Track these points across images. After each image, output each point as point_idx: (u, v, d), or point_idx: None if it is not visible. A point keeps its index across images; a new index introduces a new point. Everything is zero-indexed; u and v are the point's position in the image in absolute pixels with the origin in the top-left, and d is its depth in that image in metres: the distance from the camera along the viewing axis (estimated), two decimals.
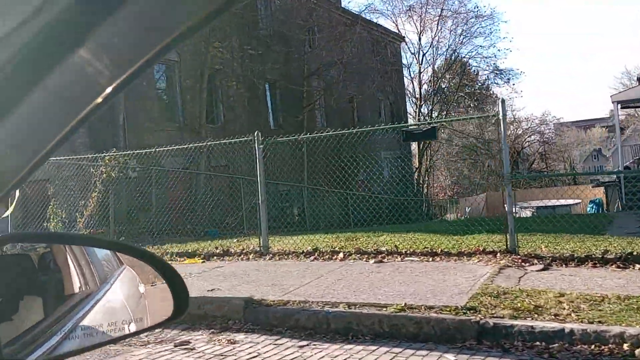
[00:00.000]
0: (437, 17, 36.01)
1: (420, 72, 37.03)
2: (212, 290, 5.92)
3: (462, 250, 6.59)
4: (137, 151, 10.98)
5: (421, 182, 36.32)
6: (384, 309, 4.72)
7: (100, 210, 11.40)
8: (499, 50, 65.16)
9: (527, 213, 36.70)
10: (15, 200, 9.75)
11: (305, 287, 5.70)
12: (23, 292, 1.27)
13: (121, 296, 1.58)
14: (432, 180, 40.65)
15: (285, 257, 7.56)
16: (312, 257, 7.31)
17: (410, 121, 36.75)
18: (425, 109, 37.37)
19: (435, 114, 36.79)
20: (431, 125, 7.11)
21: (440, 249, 6.69)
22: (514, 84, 53.38)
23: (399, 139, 34.25)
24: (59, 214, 11.04)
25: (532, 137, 54.28)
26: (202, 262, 7.94)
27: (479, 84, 40.27)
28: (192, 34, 0.57)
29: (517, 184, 50.74)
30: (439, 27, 36.51)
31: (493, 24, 54.50)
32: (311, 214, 19.71)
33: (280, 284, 5.93)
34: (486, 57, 36.86)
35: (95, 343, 1.37)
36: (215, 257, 8.11)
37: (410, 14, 35.77)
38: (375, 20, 32.34)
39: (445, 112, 37.93)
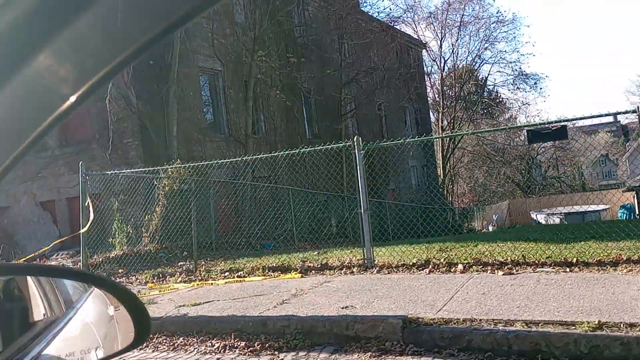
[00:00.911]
0: (458, 23, 35.83)
1: (442, 79, 36.72)
2: (345, 307, 5.50)
3: (601, 260, 6.14)
4: (206, 162, 10.57)
5: (446, 191, 35.87)
6: (572, 327, 4.27)
7: (164, 224, 11.00)
8: (522, 54, 64.76)
9: (555, 220, 36.13)
10: (90, 220, 9.34)
11: (452, 303, 5.27)
12: None
13: (87, 321, 1.52)
14: (457, 188, 40.23)
15: (395, 270, 7.13)
16: (425, 270, 6.88)
17: (433, 129, 36.39)
18: (447, 117, 36.98)
19: (457, 122, 36.45)
20: (561, 124, 6.68)
21: (574, 259, 6.24)
22: (541, 89, 53.06)
23: (424, 147, 34.02)
24: (124, 228, 10.63)
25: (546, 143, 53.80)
26: (301, 276, 7.52)
27: (488, 91, 39.94)
28: (153, 45, 0.56)
29: (532, 191, 50.33)
30: (460, 33, 36.30)
31: (515, 28, 54.18)
32: (351, 225, 19.29)
33: (419, 300, 5.50)
34: (510, 62, 36.49)
35: None
36: (312, 271, 7.69)
37: (430, 21, 35.61)
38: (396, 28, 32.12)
39: (469, 119, 37.59)
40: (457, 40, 36.57)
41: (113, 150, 13.60)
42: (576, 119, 7.47)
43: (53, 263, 11.03)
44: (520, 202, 42.75)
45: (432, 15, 35.42)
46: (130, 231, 10.75)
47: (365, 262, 7.39)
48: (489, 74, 38.06)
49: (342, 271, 7.47)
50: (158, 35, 0.55)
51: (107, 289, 1.32)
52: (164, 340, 5.58)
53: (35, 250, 13.93)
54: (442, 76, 36.89)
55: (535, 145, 51.36)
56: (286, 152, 9.21)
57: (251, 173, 15.86)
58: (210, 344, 5.29)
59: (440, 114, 36.43)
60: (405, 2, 37.73)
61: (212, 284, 7.80)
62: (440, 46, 36.98)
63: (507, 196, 48.72)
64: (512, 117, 47.19)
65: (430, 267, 6.94)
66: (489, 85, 38.83)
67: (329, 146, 8.51)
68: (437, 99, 37.27)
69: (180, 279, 8.42)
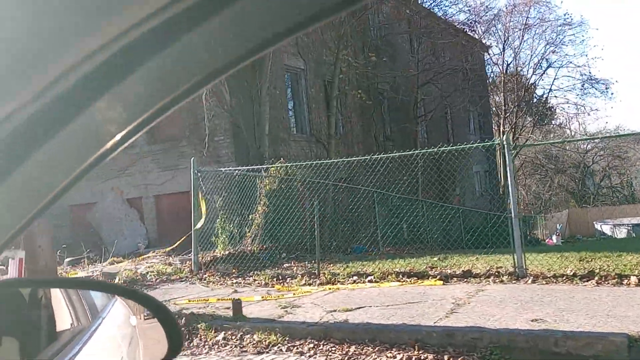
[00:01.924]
0: (523, 26, 34.77)
1: (504, 83, 35.68)
2: (535, 320, 5.00)
3: None
4: (314, 162, 10.23)
5: (506, 198, 34.82)
6: None
7: (266, 224, 10.71)
8: (592, 58, 62.42)
9: (622, 231, 34.44)
10: (204, 217, 9.10)
11: None
12: (13, 330, 1.23)
13: (113, 332, 1.55)
14: (518, 196, 38.98)
15: (553, 280, 6.58)
16: (591, 282, 6.31)
17: (495, 135, 35.44)
18: (509, 122, 35.89)
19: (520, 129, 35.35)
20: None
21: None
22: (612, 94, 51.17)
23: (485, 152, 33.11)
24: (227, 227, 10.38)
25: (603, 151, 51.81)
26: (443, 284, 7.05)
27: (538, 96, 38.51)
28: (203, 86, 0.58)
29: (587, 202, 48.45)
30: (524, 37, 35.23)
31: (582, 31, 52.35)
32: (426, 231, 18.74)
33: (618, 315, 4.94)
34: (578, 66, 35.18)
35: None
36: (454, 279, 7.21)
37: (494, 23, 34.65)
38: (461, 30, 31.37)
39: (533, 125, 36.44)
40: (520, 44, 35.51)
41: (204, 148, 13.43)
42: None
43: (154, 261, 10.88)
44: (580, 212, 41.21)
45: (496, 18, 34.45)
46: (235, 230, 10.49)
47: (517, 270, 6.87)
48: (555, 79, 36.74)
49: (490, 279, 6.97)
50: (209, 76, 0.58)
51: (140, 302, 1.29)
52: (334, 348, 5.20)
53: (122, 247, 13.90)
54: (504, 80, 35.85)
55: (591, 153, 49.59)
56: (416, 152, 8.74)
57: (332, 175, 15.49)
58: (390, 355, 4.88)
59: (502, 119, 35.38)
60: (468, 4, 36.86)
61: (343, 288, 7.42)
62: (503, 49, 35.96)
63: (561, 205, 47.14)
64: (562, 124, 45.64)
65: (596, 278, 6.37)
66: (555, 89, 37.37)
67: (479, 145, 8.02)
68: (499, 103, 36.23)
69: (303, 282, 8.07)
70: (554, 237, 30.59)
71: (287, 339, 5.50)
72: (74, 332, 1.46)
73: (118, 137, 0.59)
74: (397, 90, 21.13)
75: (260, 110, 13.18)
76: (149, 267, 9.61)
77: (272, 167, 10.93)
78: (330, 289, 7.43)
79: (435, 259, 8.98)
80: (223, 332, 5.90)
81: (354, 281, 7.79)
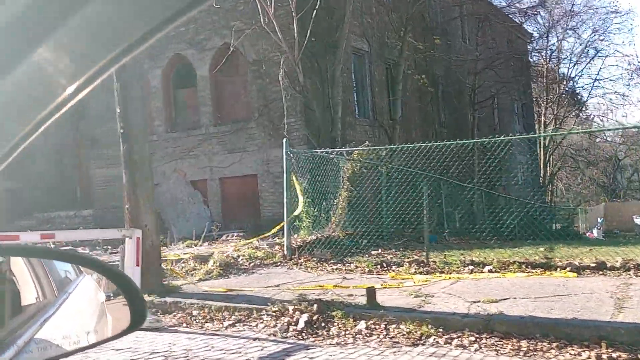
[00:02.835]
0: (568, 13, 33.76)
1: (547, 72, 34.79)
2: None
3: None
4: (405, 145, 9.82)
5: (547, 189, 34.13)
6: None
7: (349, 209, 10.36)
8: None
9: None
10: (300, 202, 8.78)
11: None
12: None
13: (79, 306, 1.56)
14: (557, 188, 38.26)
15: None
16: None
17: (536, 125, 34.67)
18: (551, 112, 35.04)
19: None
20: None
21: None
22: None
23: (527, 142, 32.41)
24: (310, 212, 10.04)
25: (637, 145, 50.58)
26: (576, 276, 6.65)
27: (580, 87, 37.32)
28: (153, 37, 0.58)
29: (618, 196, 47.44)
30: (568, 24, 34.21)
31: (629, 19, 50.77)
32: (484, 220, 18.29)
33: None
34: (626, 55, 34.11)
35: (51, 356, 1.32)
36: (587, 271, 6.80)
37: (537, 10, 33.67)
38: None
39: (576, 116, 35.56)
40: (565, 31, 34.50)
41: (274, 130, 13.08)
42: None
43: (233, 244, 10.60)
44: (617, 206, 40.36)
45: (541, 4, 33.45)
46: (322, 215, 10.15)
47: None
48: (601, 68, 35.70)
49: (630, 273, 6.55)
50: (159, 25, 0.57)
51: (102, 272, 1.30)
52: (500, 342, 4.83)
53: (183, 230, 13.67)
54: (546, 69, 34.95)
55: (624, 145, 48.49)
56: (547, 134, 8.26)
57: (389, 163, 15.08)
58: (574, 352, 4.51)
59: (544, 109, 34.56)
60: None
61: (464, 278, 7.05)
62: (547, 37, 35.01)
63: (591, 199, 46.29)
64: (603, 114, 44.58)
65: None
66: (601, 79, 36.26)
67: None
68: (541, 93, 35.37)
69: (413, 270, 7.71)
70: (595, 231, 29.91)
71: (440, 330, 5.16)
72: (39, 306, 1.45)
73: (70, 89, 0.60)
74: (451, 77, 20.60)
75: (332, 93, 12.78)
76: (236, 250, 9.32)
77: (357, 150, 10.55)
78: (449, 278, 7.06)
79: (542, 249, 8.56)
80: (363, 321, 5.57)
81: (471, 270, 7.42)
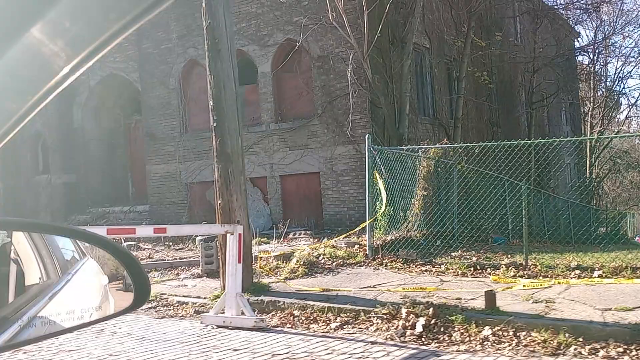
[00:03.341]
0: (617, 12, 32.74)
1: (594, 72, 33.82)
2: None
3: None
4: (490, 143, 9.45)
5: (595, 192, 33.17)
6: None
7: (425, 209, 10.03)
8: None
9: None
10: (384, 200, 8.49)
11: None
12: None
13: (82, 286, 1.61)
14: (603, 190, 37.22)
15: None
16: None
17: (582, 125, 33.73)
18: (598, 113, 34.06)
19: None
20: None
21: None
22: None
23: (574, 144, 31.55)
24: (387, 211, 9.73)
25: None
26: None
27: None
28: (145, 17, 0.59)
29: None
30: (618, 22, 33.16)
31: None
32: (542, 222, 17.78)
33: None
34: None
35: (53, 331, 1.37)
36: None
37: (587, 8, 32.70)
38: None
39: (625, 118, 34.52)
40: (613, 30, 33.47)
41: (338, 127, 12.82)
42: None
43: (304, 242, 10.37)
44: None
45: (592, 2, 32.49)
46: (401, 214, 9.83)
47: None
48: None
49: None
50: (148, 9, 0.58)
51: (107, 249, 1.31)
52: None
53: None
54: (594, 69, 33.98)
55: None
56: None
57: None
58: None
59: (590, 110, 33.61)
60: None
61: (575, 283, 6.67)
62: (595, 36, 34.00)
63: (631, 203, 44.96)
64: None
65: None
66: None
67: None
68: (587, 93, 34.41)
69: (512, 274, 7.35)
70: None
71: (580, 340, 4.81)
72: (43, 286, 1.48)
73: (65, 70, 0.62)
74: (504, 75, 20.08)
75: (400, 89, 12.45)
76: (314, 249, 9.07)
77: (433, 147, 10.22)
78: (559, 282, 6.68)
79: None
80: (487, 327, 5.25)
81: (578, 275, 7.03)
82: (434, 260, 8.42)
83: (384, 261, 8.44)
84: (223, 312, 6.13)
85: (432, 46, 15.49)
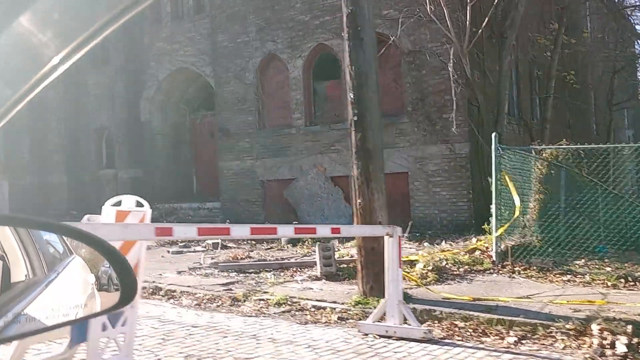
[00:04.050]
0: None
1: None
2: None
3: None
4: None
5: None
6: None
7: (542, 214, 9.41)
8: None
9: None
10: (517, 204, 7.92)
11: None
12: None
13: (68, 285, 1.59)
14: None
15: None
16: None
17: None
18: None
19: None
20: None
21: None
22: None
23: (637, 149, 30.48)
24: (504, 214, 9.15)
25: None
26: None
27: None
28: (131, 12, 0.62)
29: None
30: None
31: None
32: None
33: None
34: None
35: (38, 328, 1.37)
36: None
37: None
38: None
39: None
40: None
41: (430, 125, 12.27)
42: None
43: (408, 245, 9.86)
44: None
45: None
46: (521, 218, 9.23)
47: None
48: None
49: None
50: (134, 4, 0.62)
51: (95, 246, 1.30)
52: None
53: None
54: None
55: None
56: None
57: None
58: None
59: None
60: None
61: None
62: None
63: None
64: None
65: None
66: None
67: None
68: None
69: None
70: None
71: None
72: (29, 283, 1.47)
73: (55, 60, 0.64)
74: (579, 75, 19.29)
75: (499, 87, 11.86)
76: (430, 254, 8.56)
77: (550, 148, 9.61)
78: None
79: None
80: None
81: None
82: (572, 269, 7.82)
83: (515, 268, 7.87)
84: (381, 321, 5.65)
85: (518, 43, 14.84)
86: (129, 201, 4.07)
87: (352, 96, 6.87)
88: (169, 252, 11.56)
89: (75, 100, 19.15)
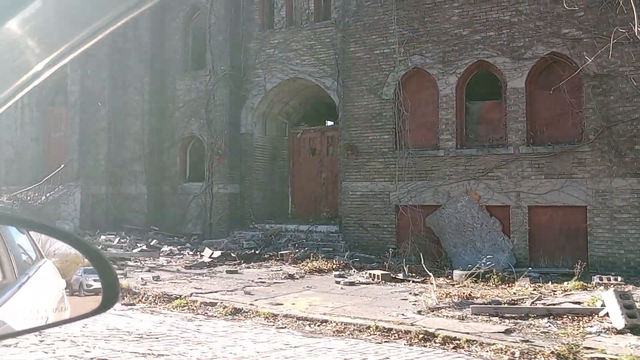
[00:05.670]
0: None
1: None
2: None
3: None
4: None
5: None
6: None
7: None
8: None
9: None
10: None
11: None
12: None
13: (39, 288, 1.56)
14: None
15: None
16: None
17: None
18: None
19: None
20: None
21: None
22: None
23: None
24: None
25: None
26: None
27: None
28: (120, 21, 0.60)
29: None
30: None
31: None
32: None
33: None
34: None
35: (6, 333, 1.31)
36: None
37: None
38: None
39: None
40: None
41: (617, 156, 11.14)
42: None
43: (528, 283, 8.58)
44: None
45: None
46: None
47: None
48: None
49: None
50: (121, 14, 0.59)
51: (78, 247, 1.24)
52: None
53: (462, 261, 11.72)
54: None
55: None
56: None
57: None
58: None
59: None
60: None
61: None
62: None
63: None
64: None
65: None
66: None
67: None
68: None
69: None
70: None
71: None
72: None
73: (39, 66, 0.62)
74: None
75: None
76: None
77: None
78: None
79: None
80: None
81: None
82: None
83: None
84: None
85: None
86: None
87: None
88: (337, 282, 10.11)
89: (160, 107, 17.68)
